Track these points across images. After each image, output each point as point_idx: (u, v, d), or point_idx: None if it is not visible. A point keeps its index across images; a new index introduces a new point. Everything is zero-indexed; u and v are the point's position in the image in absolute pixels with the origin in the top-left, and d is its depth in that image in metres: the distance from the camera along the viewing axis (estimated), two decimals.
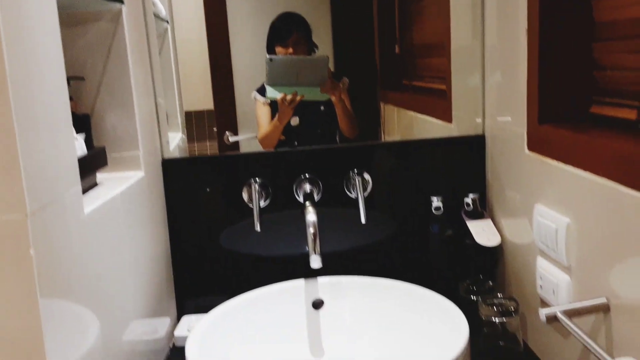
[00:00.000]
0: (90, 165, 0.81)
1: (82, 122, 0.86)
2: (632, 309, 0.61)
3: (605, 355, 0.57)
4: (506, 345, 0.90)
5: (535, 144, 0.85)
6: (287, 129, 1.11)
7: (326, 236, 1.07)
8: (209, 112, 1.14)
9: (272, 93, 1.08)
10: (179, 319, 1.10)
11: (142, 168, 0.93)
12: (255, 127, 1.12)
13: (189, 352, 0.78)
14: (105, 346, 0.73)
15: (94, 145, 0.89)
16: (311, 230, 0.90)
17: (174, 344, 1.03)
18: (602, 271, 0.67)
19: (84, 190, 0.79)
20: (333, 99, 1.09)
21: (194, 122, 1.14)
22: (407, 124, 1.17)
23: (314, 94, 1.09)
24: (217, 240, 1.09)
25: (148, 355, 0.93)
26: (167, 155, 1.07)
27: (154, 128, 1.04)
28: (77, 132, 0.82)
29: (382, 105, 1.16)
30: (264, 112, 1.12)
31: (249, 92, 1.12)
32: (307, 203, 0.95)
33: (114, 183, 0.85)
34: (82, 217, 0.67)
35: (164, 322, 1.05)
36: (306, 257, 0.89)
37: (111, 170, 0.91)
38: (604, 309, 0.66)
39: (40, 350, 0.55)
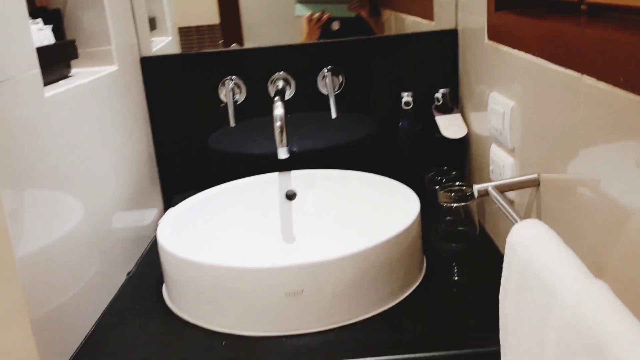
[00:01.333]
0: (58, 55, 0.85)
1: (53, 16, 0.89)
2: (558, 184, 0.64)
3: (517, 218, 0.61)
4: (464, 230, 0.95)
5: (493, 33, 0.86)
6: (329, 33, 1.13)
7: (302, 135, 1.12)
8: (210, 27, 1.16)
9: (301, 11, 1.11)
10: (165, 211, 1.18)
11: (115, 63, 0.97)
12: (263, 39, 1.14)
13: (160, 234, 0.84)
14: (88, 231, 0.80)
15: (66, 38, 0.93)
16: (278, 123, 0.94)
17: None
18: (537, 150, 0.70)
19: (55, 81, 0.84)
20: (363, 14, 1.12)
21: (195, 37, 1.17)
22: (400, 28, 1.18)
23: (341, 11, 1.12)
24: (200, 138, 1.14)
25: (134, 241, 1.00)
26: (145, 54, 1.10)
27: (130, 25, 1.07)
28: (47, 24, 0.85)
29: (381, 10, 1.17)
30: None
31: (255, 4, 1.13)
32: (276, 98, 0.99)
33: (85, 75, 0.89)
34: (42, 100, 0.72)
35: (151, 213, 1.12)
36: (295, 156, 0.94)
37: (85, 66, 0.96)
38: (534, 184, 0.69)
39: (4, 236, 0.61)
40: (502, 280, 0.58)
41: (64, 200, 0.77)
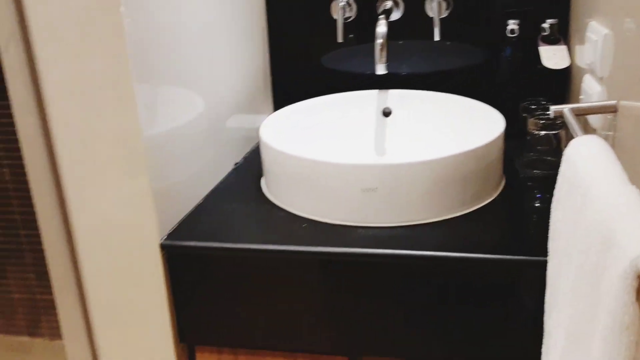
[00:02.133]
0: None
1: None
2: (634, 112, 0.66)
3: (580, 134, 0.64)
4: (550, 159, 0.97)
5: None
6: None
7: (404, 59, 1.17)
8: None
9: None
10: None
11: None
12: None
13: (262, 129, 0.96)
14: (205, 124, 0.93)
15: None
16: (379, 40, 1.00)
17: None
18: (624, 79, 0.71)
19: None
20: None
21: None
22: None
23: None
24: (312, 54, 1.23)
25: (243, 140, 1.13)
26: None
27: None
28: None
29: None
30: None
31: None
32: (381, 17, 1.04)
33: None
34: (178, 8, 0.84)
35: (260, 119, 1.24)
36: (390, 76, 1.00)
37: None
38: (612, 110, 0.71)
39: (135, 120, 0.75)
40: (555, 190, 0.62)
41: (188, 96, 0.90)
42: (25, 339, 2.05)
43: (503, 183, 0.93)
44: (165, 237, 0.83)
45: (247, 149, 1.15)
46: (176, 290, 0.84)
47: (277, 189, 0.91)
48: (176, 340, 0.86)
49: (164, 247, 0.82)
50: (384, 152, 1.09)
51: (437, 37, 1.09)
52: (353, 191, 0.80)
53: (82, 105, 0.76)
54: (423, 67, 1.18)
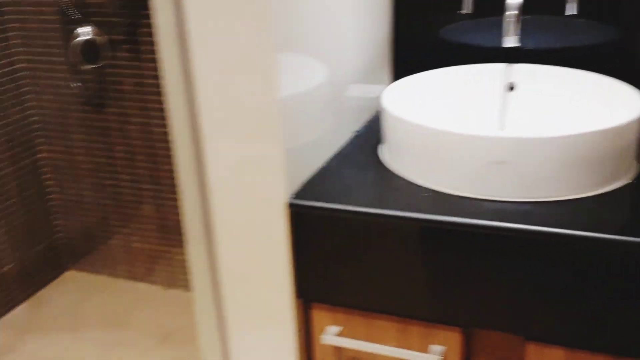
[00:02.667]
0: None
1: None
2: None
3: None
4: None
5: None
6: None
7: (534, 35, 1.13)
8: None
9: None
10: None
11: None
12: None
13: (384, 98, 0.97)
14: (327, 92, 0.96)
15: None
16: (514, 12, 0.97)
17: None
18: None
19: None
20: None
21: None
22: None
23: None
24: (435, 27, 1.22)
25: (362, 109, 1.15)
26: None
27: None
28: None
29: None
30: None
31: None
32: None
33: None
34: None
35: (379, 89, 1.25)
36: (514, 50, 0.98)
37: None
38: None
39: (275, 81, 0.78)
40: None
41: (314, 64, 0.93)
42: (142, 285, 2.23)
43: (637, 168, 0.88)
44: (292, 196, 0.87)
45: (365, 118, 1.16)
46: (297, 247, 0.88)
47: (398, 157, 0.92)
48: (294, 295, 0.91)
49: (290, 206, 0.86)
50: (507, 126, 1.07)
51: (572, 11, 1.05)
52: (480, 163, 0.80)
53: (227, 65, 0.80)
54: (550, 42, 1.13)
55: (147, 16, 1.78)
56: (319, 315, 0.93)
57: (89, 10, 1.84)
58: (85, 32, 1.84)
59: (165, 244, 2.08)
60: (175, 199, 2.00)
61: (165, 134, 1.92)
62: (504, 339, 0.85)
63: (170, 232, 2.05)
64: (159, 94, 1.87)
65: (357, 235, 0.84)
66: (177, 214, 2.02)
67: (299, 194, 0.87)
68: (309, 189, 0.89)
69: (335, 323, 0.92)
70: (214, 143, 0.86)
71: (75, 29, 1.85)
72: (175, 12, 0.80)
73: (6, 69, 1.95)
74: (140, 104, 1.91)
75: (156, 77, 1.86)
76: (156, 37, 0.84)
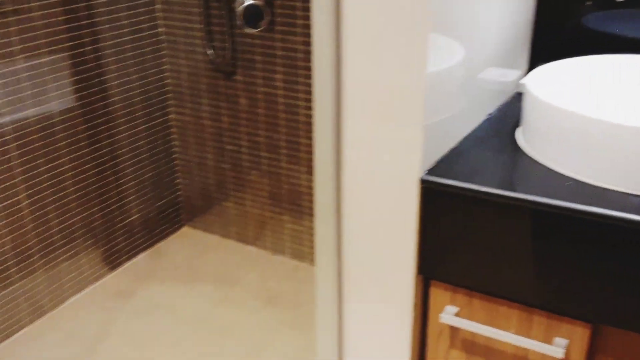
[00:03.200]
0: None
1: None
2: None
3: None
4: None
5: None
6: None
7: None
8: None
9: None
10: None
11: None
12: None
13: (529, 81, 0.94)
14: (462, 72, 0.95)
15: None
16: None
17: (518, 93, 1.20)
18: None
19: None
20: None
21: None
22: None
23: None
24: (578, 15, 1.16)
25: (496, 92, 1.13)
26: None
27: None
28: None
29: None
30: None
31: None
32: None
33: None
34: None
35: (514, 74, 1.22)
36: None
37: None
38: None
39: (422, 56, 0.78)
40: None
41: (453, 44, 0.92)
42: (251, 248, 2.33)
43: None
44: (425, 172, 0.87)
45: (498, 102, 1.14)
46: (425, 223, 0.89)
47: (537, 143, 0.89)
48: (415, 271, 0.92)
49: (422, 182, 0.86)
50: None
51: None
52: (633, 156, 0.76)
53: (378, 42, 0.82)
54: None
55: None
56: (438, 293, 0.93)
57: None
58: None
59: (276, 212, 2.16)
60: (289, 169, 2.06)
61: (290, 105, 1.97)
62: (633, 339, 0.81)
63: (281, 200, 2.13)
64: (293, 66, 1.93)
65: (486, 217, 0.84)
66: (290, 184, 2.08)
67: (432, 171, 0.88)
68: (441, 167, 0.89)
69: (454, 303, 0.92)
70: (354, 120, 0.88)
71: None
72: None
73: (149, 32, 2.08)
74: (266, 74, 1.98)
75: (294, 50, 1.91)
76: (311, 11, 0.87)
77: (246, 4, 1.83)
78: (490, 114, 1.08)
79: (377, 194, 0.91)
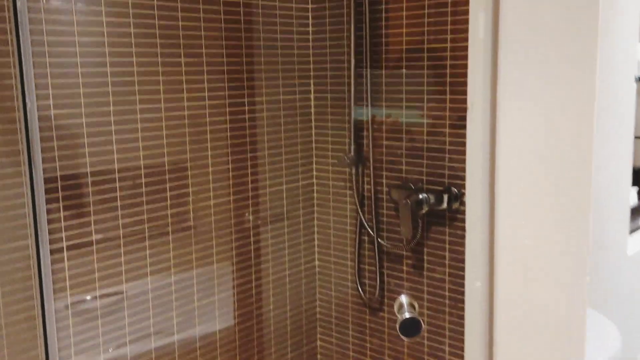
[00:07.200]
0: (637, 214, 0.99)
1: (636, 176, 1.04)
2: None
3: None
4: None
5: None
6: None
7: None
8: None
9: None
10: None
11: None
12: None
13: None
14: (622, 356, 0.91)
15: None
16: None
17: None
18: None
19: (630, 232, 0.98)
20: None
21: None
22: None
23: None
24: None
25: None
26: None
27: None
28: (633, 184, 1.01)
29: None
30: None
31: None
32: None
33: None
34: (625, 256, 0.87)
35: None
36: None
37: None
38: None
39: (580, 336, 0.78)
40: None
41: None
42: None
43: None
44: None
45: None
46: None
47: None
48: None
49: None
50: None
51: None
52: None
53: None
54: None
55: None
56: None
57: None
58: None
59: None
60: None
61: (433, 347, 1.94)
62: None
63: None
64: (440, 311, 1.94)
65: None
66: None
67: None
68: None
69: None
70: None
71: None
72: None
73: (307, 265, 2.24)
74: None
75: (442, 296, 1.94)
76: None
77: (405, 317, 1.92)
78: None
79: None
